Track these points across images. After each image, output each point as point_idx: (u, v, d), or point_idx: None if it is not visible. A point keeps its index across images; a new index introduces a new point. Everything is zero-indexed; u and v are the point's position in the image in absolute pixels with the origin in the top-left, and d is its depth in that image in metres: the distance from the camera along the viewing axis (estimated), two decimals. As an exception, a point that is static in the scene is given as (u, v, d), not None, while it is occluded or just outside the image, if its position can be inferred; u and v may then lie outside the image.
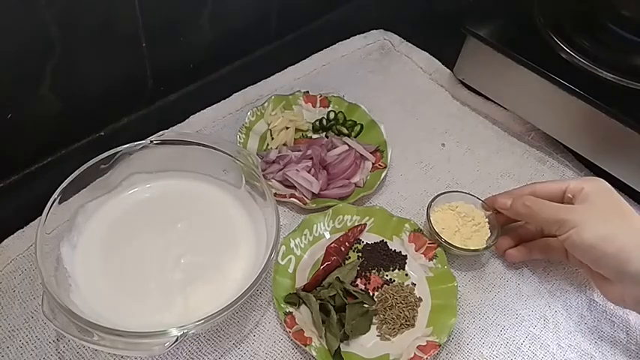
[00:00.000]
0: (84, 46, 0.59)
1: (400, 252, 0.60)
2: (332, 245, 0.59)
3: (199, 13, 0.68)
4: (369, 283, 0.57)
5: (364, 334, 0.54)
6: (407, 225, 0.60)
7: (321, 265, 0.57)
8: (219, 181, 0.60)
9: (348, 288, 0.55)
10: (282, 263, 0.57)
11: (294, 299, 0.54)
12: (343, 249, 0.58)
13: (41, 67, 0.56)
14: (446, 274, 0.57)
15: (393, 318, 0.54)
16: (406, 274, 0.58)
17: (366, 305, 0.55)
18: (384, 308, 0.55)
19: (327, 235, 0.60)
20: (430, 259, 0.58)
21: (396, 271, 0.58)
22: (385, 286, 0.57)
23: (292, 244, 0.58)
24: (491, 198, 0.60)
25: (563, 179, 0.55)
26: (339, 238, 0.59)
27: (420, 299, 0.56)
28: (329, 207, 0.61)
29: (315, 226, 0.60)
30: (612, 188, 0.54)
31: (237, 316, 0.54)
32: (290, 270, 0.57)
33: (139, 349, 0.45)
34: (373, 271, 0.58)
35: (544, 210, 0.53)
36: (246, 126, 0.68)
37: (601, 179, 0.55)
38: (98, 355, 0.51)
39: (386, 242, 0.60)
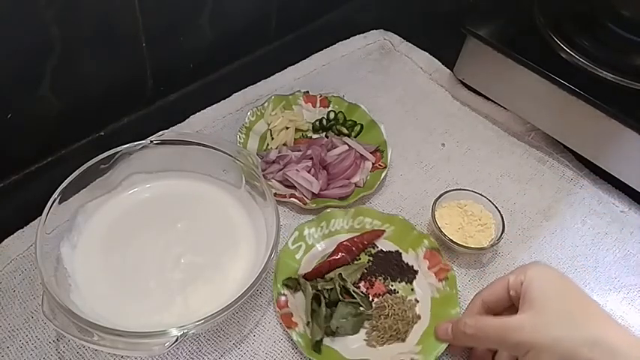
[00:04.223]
0: (84, 46, 0.59)
1: (412, 266, 0.58)
2: (344, 243, 0.58)
3: (199, 13, 0.68)
4: (371, 288, 0.57)
5: (351, 335, 0.53)
6: (425, 241, 0.59)
7: (328, 258, 0.57)
8: (219, 181, 0.60)
9: (348, 287, 0.55)
10: (292, 248, 0.57)
11: (293, 284, 0.55)
12: (355, 249, 0.58)
13: (41, 67, 0.56)
14: (452, 297, 0.55)
15: (385, 327, 0.53)
16: (412, 289, 0.57)
17: (361, 308, 0.54)
18: (379, 316, 0.54)
19: (343, 233, 0.60)
20: (440, 280, 0.56)
21: (403, 283, 0.57)
22: (387, 295, 0.56)
23: (306, 232, 0.59)
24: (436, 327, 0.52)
25: (504, 276, 0.49)
26: (353, 237, 0.59)
27: (419, 317, 0.55)
28: (329, 207, 0.61)
29: (333, 220, 0.60)
30: (553, 271, 0.47)
31: (237, 316, 0.54)
32: (297, 256, 0.57)
33: (139, 349, 0.45)
34: (380, 277, 0.57)
35: (490, 335, 0.46)
36: (246, 126, 0.68)
37: (538, 264, 0.49)
38: (98, 355, 0.51)
39: (400, 253, 0.59)
